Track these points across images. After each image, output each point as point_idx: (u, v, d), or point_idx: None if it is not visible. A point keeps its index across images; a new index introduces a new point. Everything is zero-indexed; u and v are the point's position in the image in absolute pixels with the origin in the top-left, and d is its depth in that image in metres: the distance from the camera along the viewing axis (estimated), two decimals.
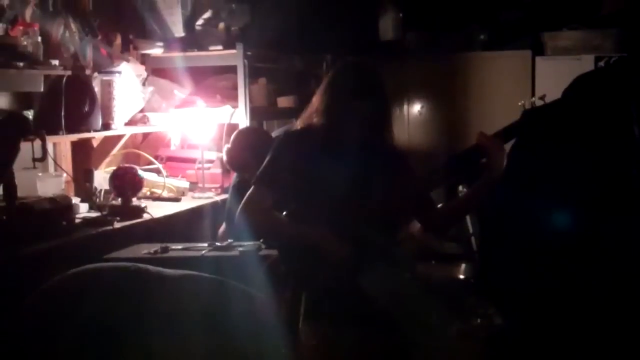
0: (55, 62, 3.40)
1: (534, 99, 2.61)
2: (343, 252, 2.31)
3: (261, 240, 3.51)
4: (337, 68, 2.44)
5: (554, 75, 4.87)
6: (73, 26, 3.55)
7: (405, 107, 5.66)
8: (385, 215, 2.44)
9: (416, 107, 5.74)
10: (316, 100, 2.43)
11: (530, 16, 5.50)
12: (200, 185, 4.09)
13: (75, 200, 3.39)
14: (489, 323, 3.29)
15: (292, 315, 2.45)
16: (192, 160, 4.24)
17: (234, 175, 3.79)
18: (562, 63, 5.10)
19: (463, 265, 3.83)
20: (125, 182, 3.54)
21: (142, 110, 4.10)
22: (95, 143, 3.94)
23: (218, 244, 3.45)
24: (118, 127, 3.82)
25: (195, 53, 4.37)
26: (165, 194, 3.95)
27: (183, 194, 4.05)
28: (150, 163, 4.15)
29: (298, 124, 2.52)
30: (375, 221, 2.40)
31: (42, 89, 3.44)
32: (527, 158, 2.07)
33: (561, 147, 1.95)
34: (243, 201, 2.45)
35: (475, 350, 3.08)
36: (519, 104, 2.66)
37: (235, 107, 4.28)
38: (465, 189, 4.01)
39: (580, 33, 5.21)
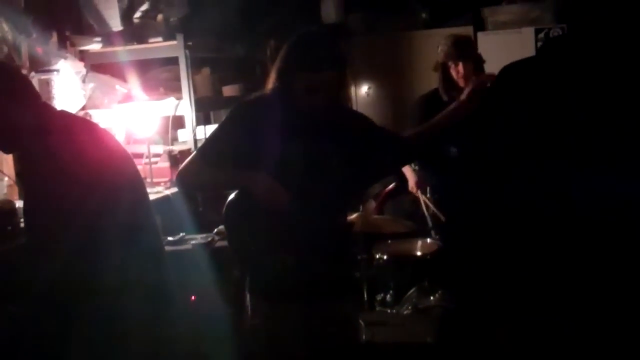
0: None
1: None
2: (282, 199, 2.30)
3: (215, 231, 3.49)
4: (292, 40, 2.40)
5: (496, 50, 4.91)
6: (5, 25, 3.44)
7: (353, 89, 5.64)
8: (339, 190, 2.44)
9: (363, 89, 5.76)
10: (272, 72, 2.41)
11: None
12: (148, 180, 4.02)
13: (19, 203, 3.30)
14: (444, 300, 3.34)
15: (239, 295, 2.47)
16: (139, 156, 4.16)
17: None
18: (503, 37, 5.17)
19: (419, 243, 3.86)
20: None
21: (83, 108, 4.02)
22: None
23: (170, 238, 3.42)
24: None
25: (135, 46, 4.28)
26: None
27: None
28: None
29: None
30: (327, 197, 2.40)
31: None
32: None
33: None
34: (181, 167, 2.45)
35: (427, 327, 3.11)
36: None
37: (179, 98, 4.22)
38: (416, 167, 4.05)
39: (519, 7, 5.27)
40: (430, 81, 5.37)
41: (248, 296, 2.51)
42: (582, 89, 1.69)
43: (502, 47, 4.99)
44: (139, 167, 4.05)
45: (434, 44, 5.48)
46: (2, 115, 2.22)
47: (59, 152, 2.19)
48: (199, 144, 4.26)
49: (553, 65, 1.76)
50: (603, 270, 1.68)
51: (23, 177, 2.34)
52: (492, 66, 2.25)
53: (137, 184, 2.52)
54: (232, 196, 2.49)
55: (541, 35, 5.09)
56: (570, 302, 1.72)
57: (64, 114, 2.46)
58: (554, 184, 1.71)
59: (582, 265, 1.69)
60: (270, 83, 2.39)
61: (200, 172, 2.40)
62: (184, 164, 2.46)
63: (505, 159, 1.79)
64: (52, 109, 2.40)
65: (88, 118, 3.97)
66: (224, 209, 2.49)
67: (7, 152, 2.56)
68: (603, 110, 1.66)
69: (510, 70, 1.82)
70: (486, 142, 1.88)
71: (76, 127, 2.37)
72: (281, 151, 2.32)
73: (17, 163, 2.32)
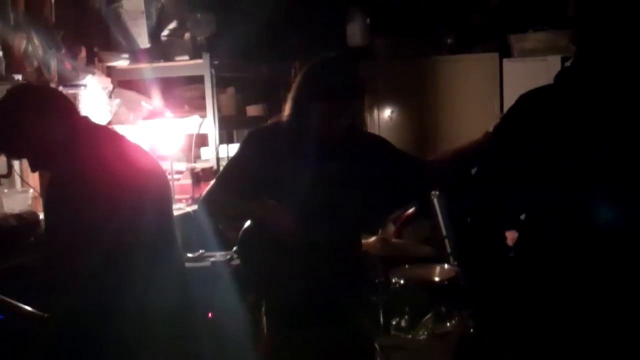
0: (19, 76, 3.35)
1: None
2: (290, 224, 2.30)
3: (234, 249, 3.50)
4: (311, 65, 2.41)
5: (521, 77, 4.91)
6: (36, 40, 3.51)
7: (376, 112, 5.68)
8: (355, 217, 2.44)
9: (386, 112, 5.76)
10: (289, 98, 2.42)
11: (496, 18, 5.54)
12: None
13: (43, 215, 3.34)
14: (460, 326, 3.32)
15: (255, 318, 2.48)
16: None
17: None
18: (528, 64, 5.15)
19: (437, 268, 3.84)
20: None
21: (109, 123, 4.06)
22: None
23: (190, 255, 3.44)
24: None
25: (162, 64, 4.33)
26: None
27: None
28: None
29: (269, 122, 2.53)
30: (342, 224, 2.39)
31: None
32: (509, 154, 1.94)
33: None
34: (202, 196, 2.49)
35: (445, 352, 3.09)
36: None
37: (203, 117, 4.26)
38: (437, 193, 4.03)
39: (546, 34, 5.25)
40: (454, 107, 5.39)
41: (264, 319, 2.51)
42: (593, 112, 1.79)
43: (527, 75, 4.98)
44: None
45: (458, 69, 5.52)
46: (37, 134, 2.24)
47: (84, 168, 2.20)
48: (222, 163, 4.30)
49: (565, 91, 1.90)
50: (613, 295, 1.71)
51: (47, 191, 2.34)
52: (518, 93, 2.24)
53: (163, 200, 2.51)
54: (247, 223, 2.49)
55: (567, 63, 5.08)
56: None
57: (94, 127, 2.43)
58: (565, 205, 1.81)
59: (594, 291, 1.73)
60: (287, 110, 2.40)
61: (219, 202, 2.43)
62: (204, 192, 2.49)
63: (519, 175, 1.88)
64: (85, 124, 2.38)
65: None
66: (239, 235, 2.50)
67: (34, 170, 2.55)
68: (611, 133, 1.75)
69: (527, 96, 1.96)
70: (502, 161, 1.96)
71: (103, 141, 2.36)
72: (297, 179, 2.32)
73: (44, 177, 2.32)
